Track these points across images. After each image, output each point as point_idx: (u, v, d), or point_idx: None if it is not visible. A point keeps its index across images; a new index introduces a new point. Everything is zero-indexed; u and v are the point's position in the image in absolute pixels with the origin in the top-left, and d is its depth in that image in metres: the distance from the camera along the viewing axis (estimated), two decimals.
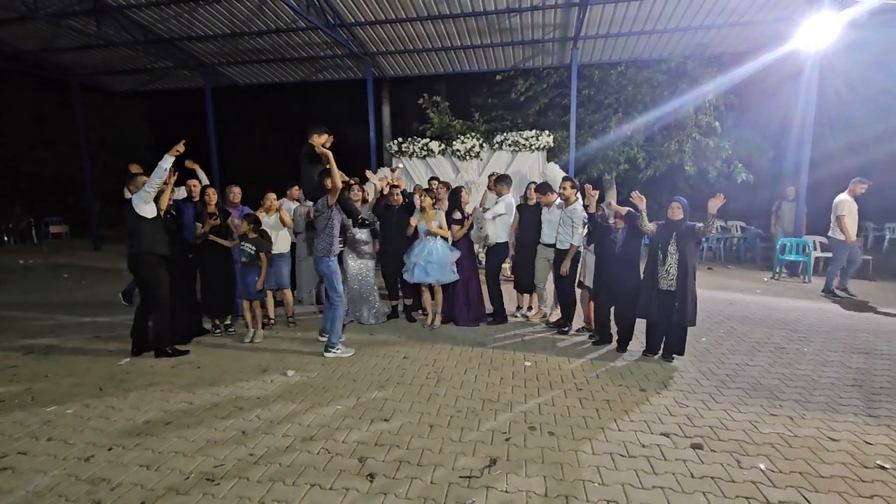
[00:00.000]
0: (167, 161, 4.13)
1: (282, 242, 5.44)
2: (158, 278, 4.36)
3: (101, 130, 16.70)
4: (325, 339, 4.67)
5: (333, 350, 4.50)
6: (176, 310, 4.66)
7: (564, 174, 7.40)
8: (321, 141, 4.51)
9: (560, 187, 5.04)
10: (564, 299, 5.20)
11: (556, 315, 5.59)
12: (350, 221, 5.19)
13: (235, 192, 5.56)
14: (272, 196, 5.42)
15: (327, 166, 4.36)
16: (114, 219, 16.62)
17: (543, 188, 5.26)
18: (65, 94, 13.30)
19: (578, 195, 5.03)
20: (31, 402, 3.57)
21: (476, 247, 5.70)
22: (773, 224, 9.56)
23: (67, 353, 4.66)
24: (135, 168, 4.86)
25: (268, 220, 5.30)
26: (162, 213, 4.41)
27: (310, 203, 5.40)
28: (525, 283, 5.68)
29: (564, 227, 5.01)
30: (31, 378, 4.03)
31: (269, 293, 5.39)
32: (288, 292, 5.52)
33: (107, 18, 8.96)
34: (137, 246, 4.24)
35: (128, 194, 4.38)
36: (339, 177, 4.35)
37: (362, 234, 5.42)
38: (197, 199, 5.22)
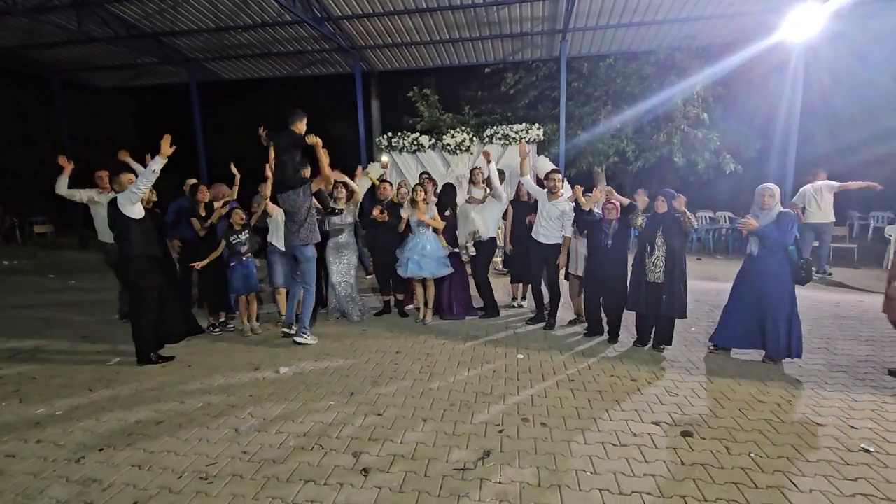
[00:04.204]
0: (158, 163, 3.98)
1: None
2: (148, 282, 4.17)
3: (85, 128, 16.41)
4: (292, 331, 4.79)
5: (304, 336, 4.68)
6: (168, 310, 4.63)
7: (554, 166, 7.38)
8: (313, 140, 4.45)
9: (549, 179, 5.04)
10: (550, 292, 5.22)
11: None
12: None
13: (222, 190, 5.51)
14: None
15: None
16: None
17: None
18: (46, 92, 13.03)
19: (563, 191, 5.03)
20: (18, 404, 3.52)
21: (462, 240, 5.67)
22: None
23: (55, 355, 4.60)
24: (62, 161, 4.95)
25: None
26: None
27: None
28: (519, 275, 5.72)
29: (549, 220, 4.99)
30: (18, 380, 3.97)
31: (282, 290, 5.36)
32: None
33: (88, 13, 8.77)
34: (128, 248, 4.07)
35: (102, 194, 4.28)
36: (328, 169, 4.49)
37: (343, 237, 5.38)
38: (188, 196, 5.21)
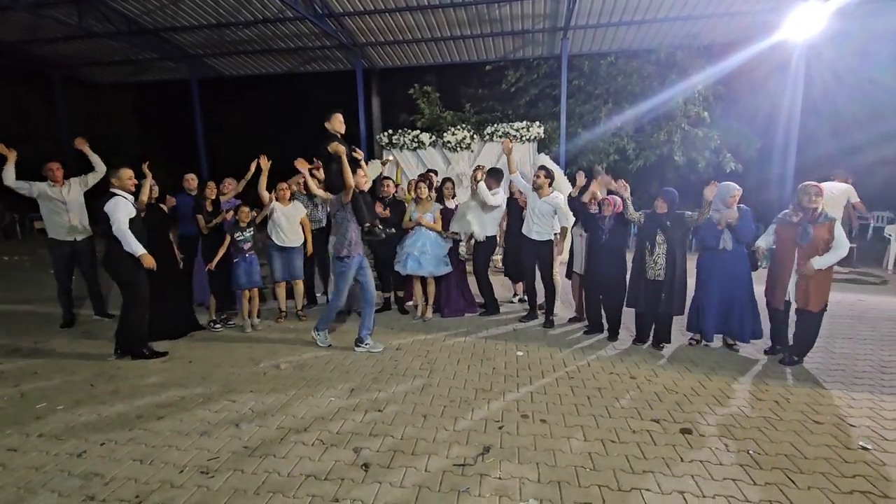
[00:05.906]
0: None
1: (295, 235, 5.27)
2: (138, 278, 4.14)
3: (85, 125, 16.39)
4: (317, 335, 4.57)
5: (363, 345, 4.42)
6: (169, 306, 4.64)
7: (543, 164, 7.36)
8: (334, 148, 4.36)
9: (534, 175, 5.04)
10: (546, 289, 5.22)
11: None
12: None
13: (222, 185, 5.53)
14: (284, 185, 5.24)
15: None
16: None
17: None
18: (47, 88, 13.02)
19: (552, 187, 5.03)
20: (20, 398, 3.53)
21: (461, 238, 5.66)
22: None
23: (56, 350, 4.61)
24: (2, 149, 4.75)
25: (283, 209, 5.15)
26: (143, 208, 4.34)
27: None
28: (516, 272, 5.72)
29: (542, 217, 4.99)
30: (19, 375, 3.98)
31: (282, 285, 5.35)
32: (300, 283, 5.42)
33: (88, 8, 8.76)
34: (117, 246, 4.03)
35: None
36: (350, 176, 4.20)
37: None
38: (195, 192, 5.27)
